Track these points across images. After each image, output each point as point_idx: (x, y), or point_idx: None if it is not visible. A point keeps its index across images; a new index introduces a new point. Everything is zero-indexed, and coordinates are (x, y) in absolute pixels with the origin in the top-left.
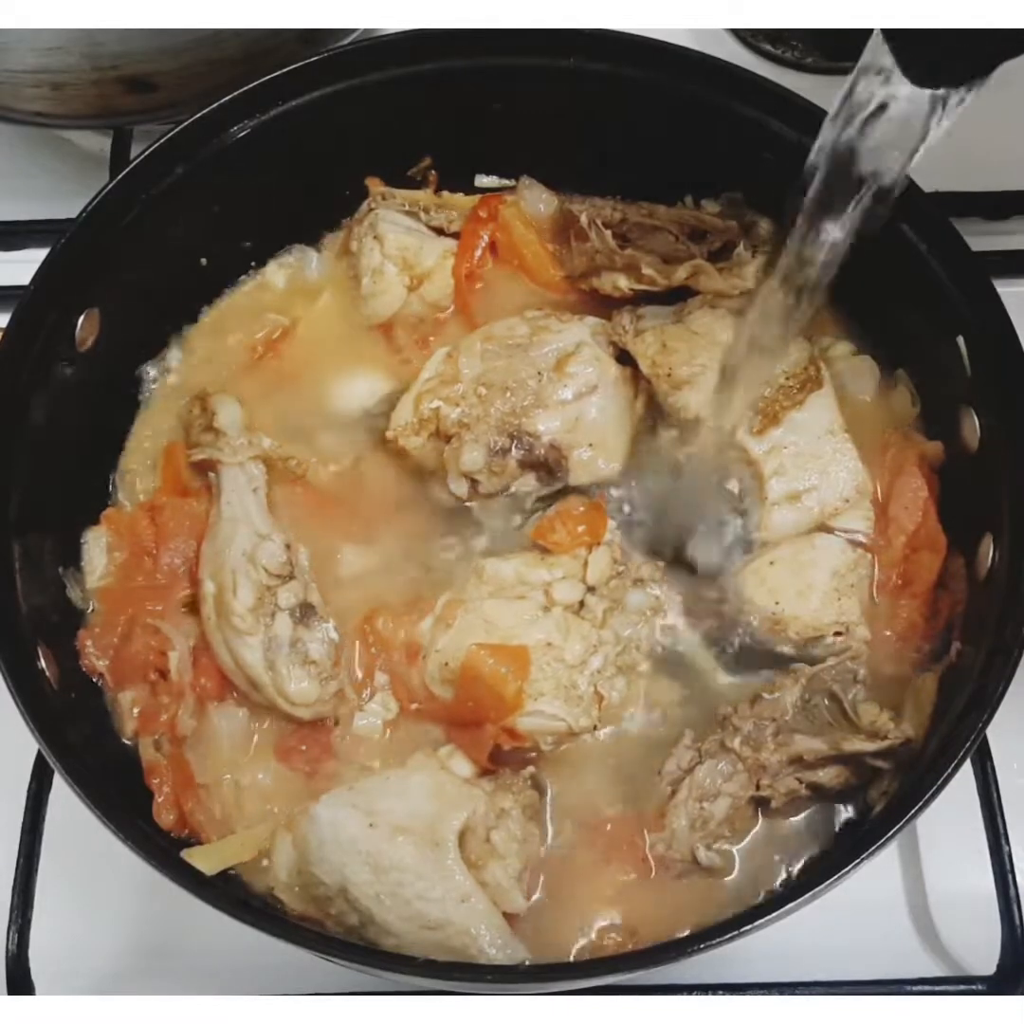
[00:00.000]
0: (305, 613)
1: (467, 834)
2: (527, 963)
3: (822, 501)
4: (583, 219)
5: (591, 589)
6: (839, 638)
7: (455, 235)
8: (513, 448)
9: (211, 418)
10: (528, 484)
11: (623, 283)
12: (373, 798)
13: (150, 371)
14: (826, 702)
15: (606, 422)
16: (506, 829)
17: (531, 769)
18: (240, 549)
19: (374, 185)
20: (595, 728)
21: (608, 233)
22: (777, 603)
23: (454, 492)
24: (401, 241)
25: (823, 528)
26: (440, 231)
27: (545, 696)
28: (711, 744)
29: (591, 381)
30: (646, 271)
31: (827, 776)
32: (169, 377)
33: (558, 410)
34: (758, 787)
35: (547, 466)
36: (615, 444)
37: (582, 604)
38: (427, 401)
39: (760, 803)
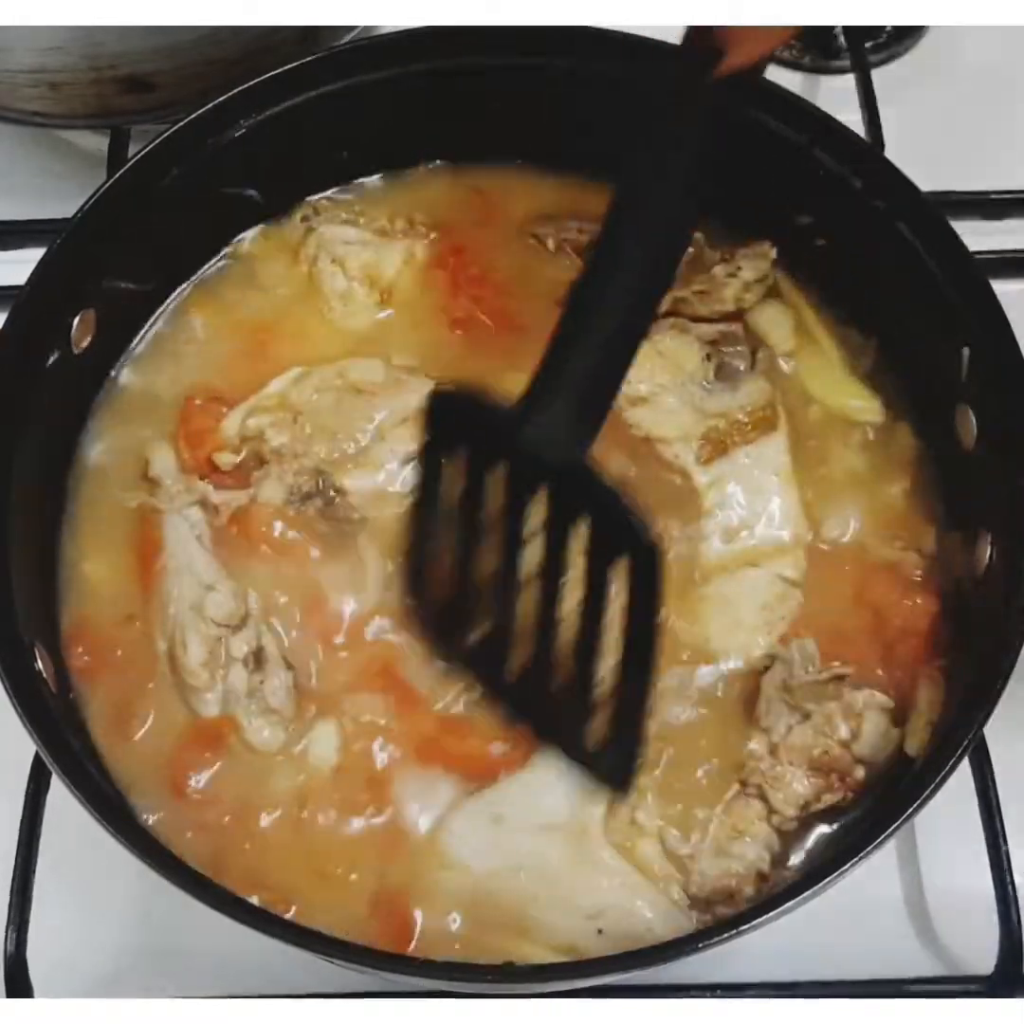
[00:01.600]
0: (260, 661)
1: (610, 817)
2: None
3: (757, 541)
4: (550, 244)
5: None
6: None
7: (402, 233)
8: (317, 498)
9: (145, 466)
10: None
11: None
12: (503, 803)
13: (125, 371)
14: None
15: None
16: (648, 807)
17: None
18: (187, 602)
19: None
20: None
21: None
22: (707, 640)
23: None
24: (361, 259)
25: (751, 564)
26: (383, 232)
27: None
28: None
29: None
30: None
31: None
32: (150, 375)
33: (374, 473)
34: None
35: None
36: None
37: None
38: (258, 417)
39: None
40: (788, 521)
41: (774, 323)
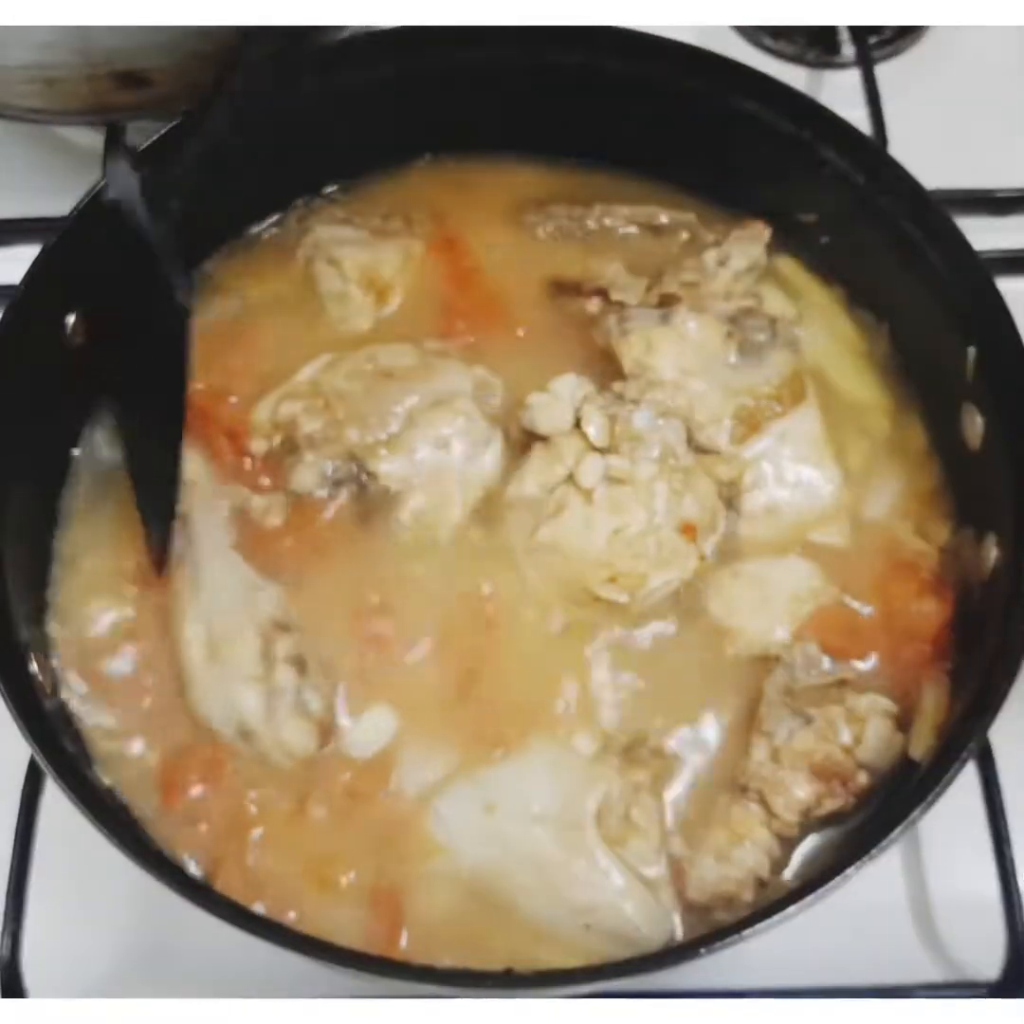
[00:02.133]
0: (301, 665)
1: (604, 813)
2: (676, 938)
3: (799, 513)
4: (540, 233)
5: (604, 451)
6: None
7: (398, 231)
8: (348, 482)
9: None
10: None
11: (594, 307)
12: (495, 789)
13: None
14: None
15: (451, 480)
16: (644, 804)
17: (655, 741)
18: (224, 603)
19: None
20: (703, 558)
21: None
22: (730, 613)
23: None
24: (358, 260)
25: (797, 544)
26: (379, 231)
27: (649, 574)
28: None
29: (449, 436)
30: (615, 297)
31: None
32: None
33: (407, 456)
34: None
35: (374, 506)
36: (449, 506)
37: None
38: (289, 404)
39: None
40: (828, 488)
41: (773, 297)
